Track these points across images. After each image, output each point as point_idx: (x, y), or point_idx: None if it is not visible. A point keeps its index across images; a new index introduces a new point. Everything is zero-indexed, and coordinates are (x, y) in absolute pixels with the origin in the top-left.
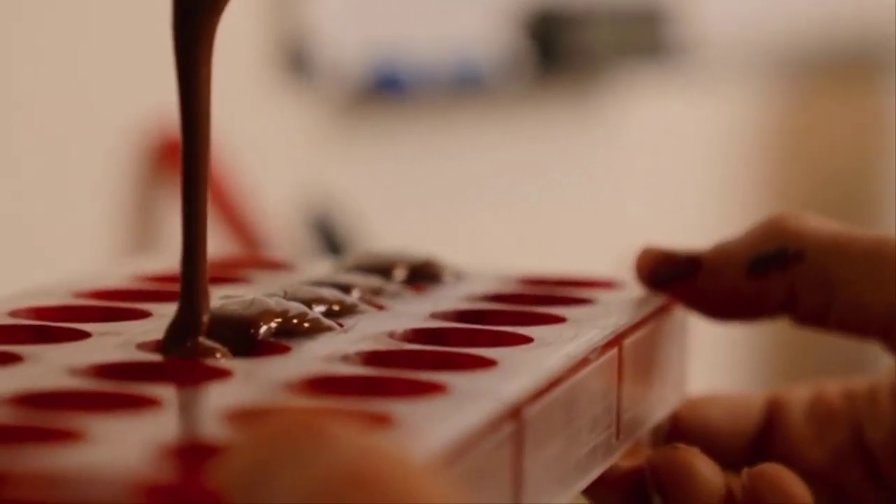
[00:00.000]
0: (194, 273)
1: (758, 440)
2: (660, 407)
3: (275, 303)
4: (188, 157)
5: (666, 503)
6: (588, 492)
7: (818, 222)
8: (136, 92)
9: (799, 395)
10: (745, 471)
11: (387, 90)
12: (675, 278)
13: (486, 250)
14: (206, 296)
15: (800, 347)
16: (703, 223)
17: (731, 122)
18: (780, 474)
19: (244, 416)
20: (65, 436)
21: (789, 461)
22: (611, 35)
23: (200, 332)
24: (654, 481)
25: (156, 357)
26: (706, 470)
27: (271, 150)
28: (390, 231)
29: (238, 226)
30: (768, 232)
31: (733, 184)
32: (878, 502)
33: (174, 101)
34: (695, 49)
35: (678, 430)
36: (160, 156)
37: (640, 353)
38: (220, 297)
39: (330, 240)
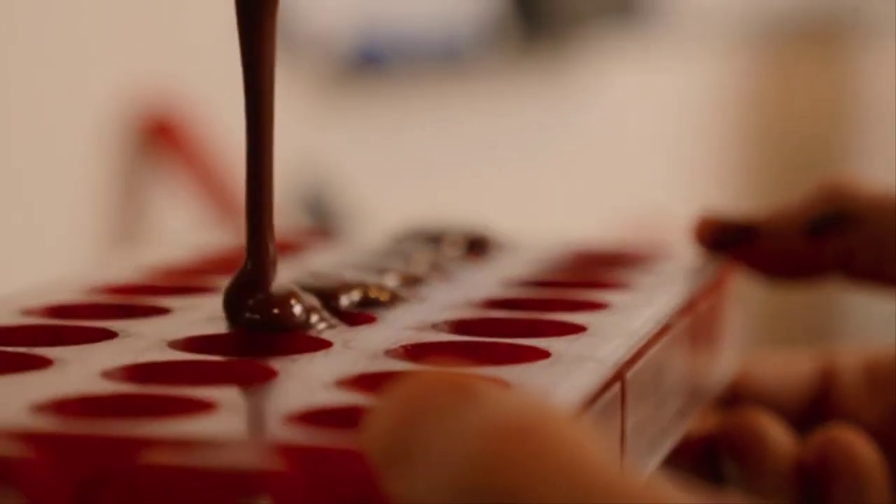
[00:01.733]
0: (260, 228)
1: (813, 401)
2: (722, 372)
3: (350, 275)
4: (252, 112)
5: (738, 466)
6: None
7: (871, 184)
8: (122, 65)
9: (851, 355)
10: (817, 435)
11: (370, 63)
12: (734, 243)
13: (473, 218)
14: (272, 253)
15: (768, 317)
16: (679, 184)
17: (706, 86)
18: (850, 439)
19: (357, 384)
20: (199, 406)
21: (845, 422)
22: (590, 3)
23: (268, 285)
24: (727, 445)
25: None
26: (777, 433)
27: None
28: (377, 201)
29: (223, 197)
30: (824, 195)
31: (707, 146)
32: None
33: (164, 74)
34: (671, 15)
35: (736, 393)
36: (149, 136)
37: (708, 320)
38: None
39: (317, 210)
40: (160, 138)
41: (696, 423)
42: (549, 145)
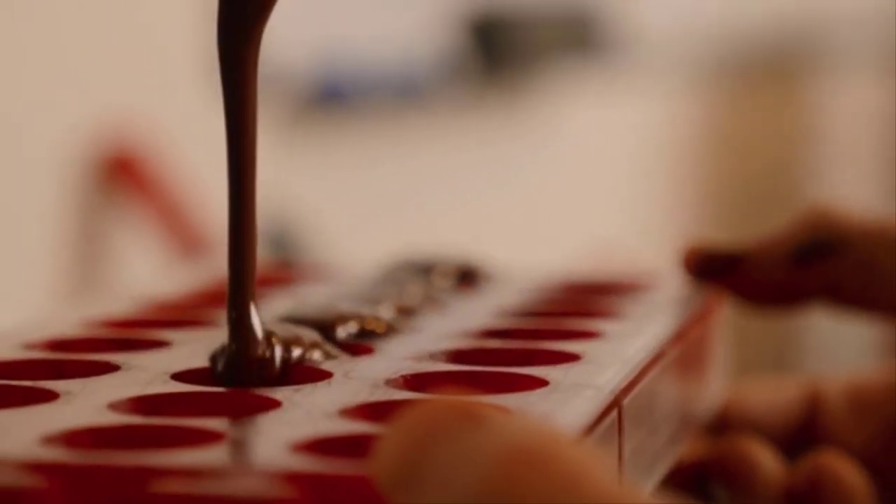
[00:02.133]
0: (242, 299)
1: (799, 428)
2: (711, 399)
3: (345, 306)
4: (234, 169)
5: (729, 492)
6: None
7: (857, 211)
8: (81, 98)
9: (836, 382)
10: (805, 461)
11: (331, 99)
12: (721, 272)
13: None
14: (253, 327)
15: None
16: (638, 217)
17: (664, 120)
18: (838, 465)
19: (360, 413)
20: (207, 436)
21: (832, 447)
22: (550, 37)
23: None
24: (717, 471)
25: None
26: (767, 459)
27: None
28: (337, 237)
29: (184, 231)
30: (810, 222)
31: (666, 179)
32: None
33: (124, 108)
34: (630, 50)
35: (724, 420)
36: (110, 171)
37: (697, 348)
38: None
39: (282, 245)
40: (121, 173)
41: (686, 449)
42: (510, 179)
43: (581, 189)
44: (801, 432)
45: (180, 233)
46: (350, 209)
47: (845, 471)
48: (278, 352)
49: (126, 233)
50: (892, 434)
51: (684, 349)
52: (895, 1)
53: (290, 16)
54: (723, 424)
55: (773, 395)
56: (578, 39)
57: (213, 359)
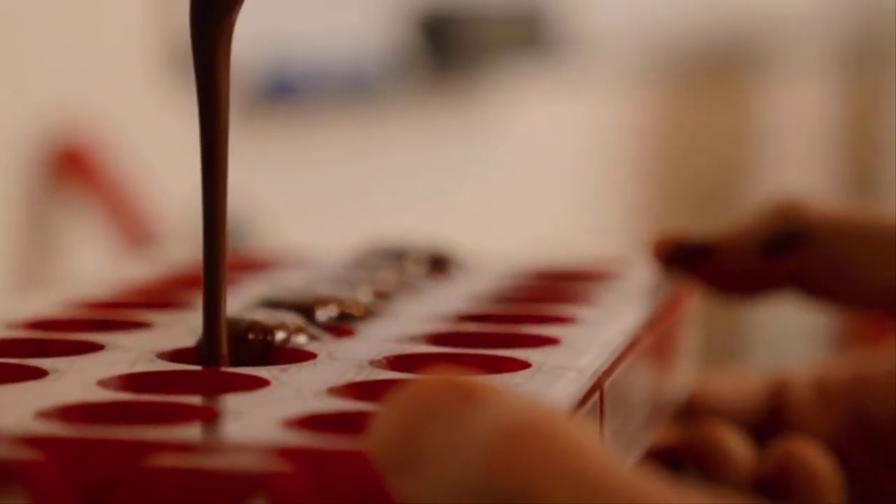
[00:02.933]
0: (214, 281)
1: (766, 416)
2: (680, 386)
3: (324, 290)
4: (207, 154)
5: (701, 477)
6: None
7: (823, 203)
8: (29, 92)
9: (801, 373)
10: (775, 447)
11: (281, 94)
12: (691, 261)
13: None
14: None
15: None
16: (587, 214)
17: (613, 118)
18: (807, 452)
19: (348, 391)
20: (199, 412)
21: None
22: (499, 34)
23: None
24: (689, 456)
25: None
26: (737, 445)
27: (165, 151)
28: (287, 232)
29: (132, 224)
30: (778, 213)
31: (614, 176)
32: (887, 478)
33: (73, 102)
34: (580, 49)
35: (692, 408)
36: (58, 165)
37: (668, 335)
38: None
39: (234, 240)
40: (70, 167)
41: (658, 435)
42: (459, 175)
43: (530, 186)
44: (768, 421)
45: (128, 226)
46: (300, 205)
47: (814, 457)
48: (265, 335)
49: (74, 226)
50: (856, 423)
51: (657, 336)
52: (837, 3)
53: (241, 12)
54: (690, 412)
55: (740, 383)
56: (528, 37)
57: (200, 342)
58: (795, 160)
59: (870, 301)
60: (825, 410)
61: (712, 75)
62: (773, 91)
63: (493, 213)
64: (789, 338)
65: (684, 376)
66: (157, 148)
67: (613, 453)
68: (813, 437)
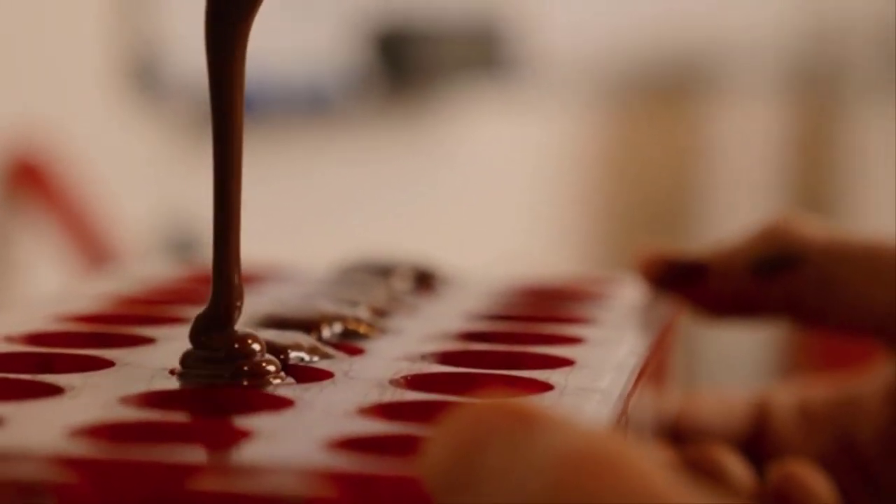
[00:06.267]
0: (225, 263)
1: (749, 439)
2: (669, 407)
3: (326, 307)
4: (220, 148)
5: None
6: None
7: (817, 225)
8: None
9: (785, 396)
10: (774, 469)
11: None
12: (681, 281)
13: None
14: (237, 288)
15: None
16: (539, 233)
17: (565, 138)
18: (807, 474)
19: (378, 412)
20: (235, 433)
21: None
22: (455, 53)
23: (231, 323)
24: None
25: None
26: (737, 467)
27: (122, 166)
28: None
29: (89, 240)
30: (770, 235)
31: (566, 196)
32: (870, 501)
33: (29, 115)
34: (532, 67)
35: (676, 430)
36: (17, 178)
37: (667, 356)
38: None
39: (183, 256)
40: (26, 181)
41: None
42: (414, 192)
43: (484, 202)
44: (750, 445)
45: (84, 240)
46: (255, 220)
47: (814, 480)
48: (279, 355)
49: (31, 241)
50: (840, 446)
51: (660, 357)
52: (785, 26)
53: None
54: (677, 434)
55: (723, 406)
56: (483, 56)
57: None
58: (746, 181)
59: (861, 326)
60: (809, 433)
61: (664, 96)
62: (724, 113)
63: (447, 228)
64: (736, 360)
65: (673, 397)
66: (113, 161)
67: (673, 476)
68: (797, 459)
